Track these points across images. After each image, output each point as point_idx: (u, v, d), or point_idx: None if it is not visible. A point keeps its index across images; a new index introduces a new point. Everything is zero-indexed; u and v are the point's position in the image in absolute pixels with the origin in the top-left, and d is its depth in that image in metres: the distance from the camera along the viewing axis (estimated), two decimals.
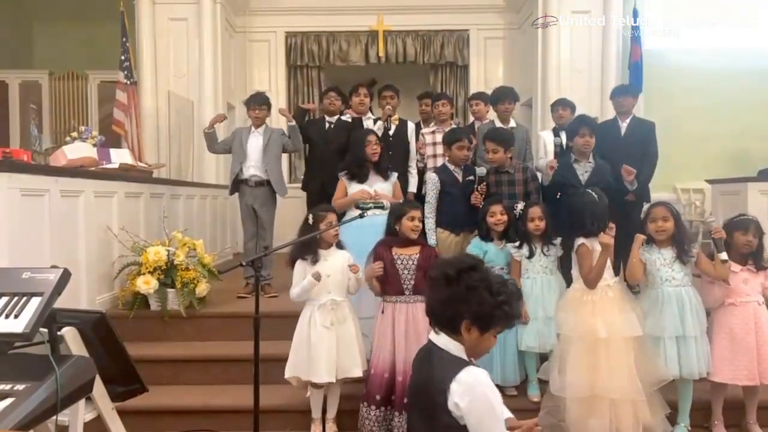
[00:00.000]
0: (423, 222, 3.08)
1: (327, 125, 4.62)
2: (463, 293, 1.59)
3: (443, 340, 1.65)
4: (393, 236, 3.07)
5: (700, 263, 2.99)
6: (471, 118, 5.05)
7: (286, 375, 3.04)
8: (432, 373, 1.60)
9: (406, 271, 3.00)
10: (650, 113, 4.41)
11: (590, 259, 2.99)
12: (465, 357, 1.63)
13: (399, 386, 2.92)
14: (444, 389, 1.54)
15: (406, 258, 3.01)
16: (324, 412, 3.13)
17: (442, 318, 1.66)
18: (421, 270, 2.98)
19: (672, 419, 3.03)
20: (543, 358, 3.23)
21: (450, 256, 1.93)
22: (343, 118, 4.61)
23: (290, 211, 7.05)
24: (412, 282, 2.99)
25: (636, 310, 2.97)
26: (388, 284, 3.01)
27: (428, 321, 1.75)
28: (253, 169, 4.50)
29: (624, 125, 4.29)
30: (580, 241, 3.07)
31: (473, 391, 1.54)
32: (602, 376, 2.78)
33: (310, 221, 3.06)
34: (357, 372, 2.99)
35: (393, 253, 3.02)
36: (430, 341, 1.70)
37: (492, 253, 3.27)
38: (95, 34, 8.00)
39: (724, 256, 2.90)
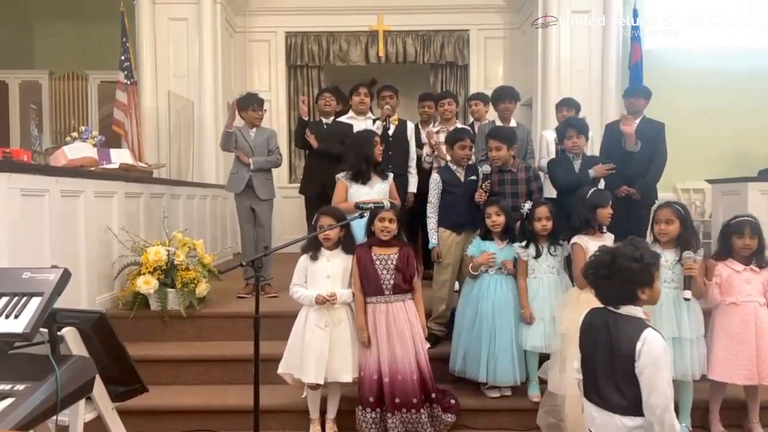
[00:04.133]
0: (398, 223, 3.06)
1: (324, 127, 4.58)
2: (627, 272, 1.97)
3: (626, 309, 2.02)
4: (371, 236, 3.08)
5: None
6: (471, 119, 5.04)
7: (279, 370, 3.04)
8: (620, 334, 1.97)
9: (385, 271, 3.00)
10: (650, 113, 4.41)
11: (583, 257, 2.97)
12: (642, 315, 2.03)
13: (387, 387, 2.92)
14: (633, 346, 1.92)
15: (385, 258, 3.01)
16: (324, 412, 3.13)
17: (622, 297, 2.02)
18: (400, 270, 2.99)
19: None
20: (545, 358, 3.23)
21: (599, 252, 2.11)
22: (343, 119, 4.60)
23: (290, 210, 7.10)
24: (392, 282, 2.99)
25: None
26: (367, 285, 3.01)
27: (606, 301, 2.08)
28: (252, 164, 4.47)
29: (633, 126, 4.30)
30: (573, 239, 3.06)
31: (654, 350, 1.91)
32: None
33: (313, 221, 3.10)
34: (347, 377, 2.97)
35: (372, 254, 3.03)
36: (607, 310, 2.05)
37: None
38: (95, 34, 8.00)
39: (687, 294, 2.86)
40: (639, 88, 4.60)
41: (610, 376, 1.98)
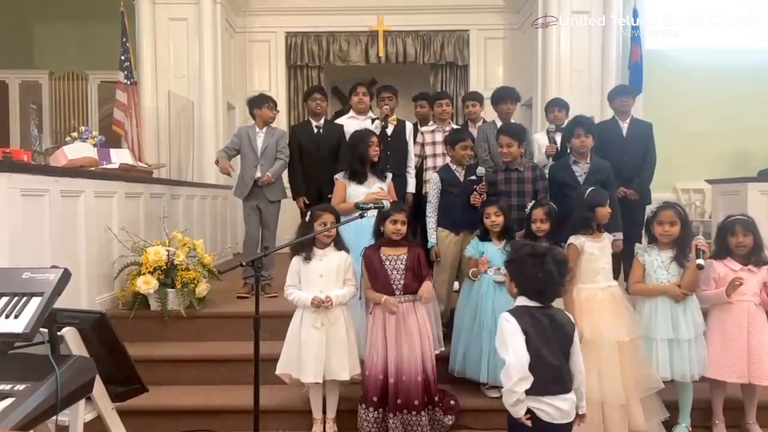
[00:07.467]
0: (408, 224, 3.04)
1: (315, 129, 4.56)
2: (566, 265, 2.26)
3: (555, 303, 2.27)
4: (380, 237, 3.07)
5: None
6: (467, 119, 4.99)
7: (277, 371, 3.04)
8: (564, 321, 2.23)
9: (395, 272, 2.99)
10: (650, 113, 4.44)
11: (578, 258, 2.97)
12: None
13: (392, 388, 2.92)
14: (572, 327, 2.24)
15: (394, 258, 3.00)
16: (324, 412, 3.13)
17: (556, 294, 2.25)
18: (410, 270, 2.98)
19: (673, 419, 3.03)
20: None
21: (542, 262, 2.16)
22: (344, 119, 4.58)
23: (291, 210, 7.08)
24: (402, 282, 2.98)
25: (633, 314, 2.97)
26: (377, 285, 3.00)
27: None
28: (260, 169, 4.48)
29: (625, 125, 4.32)
30: (569, 240, 3.07)
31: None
32: (591, 377, 2.75)
33: (308, 219, 3.08)
34: (344, 376, 2.96)
35: (381, 254, 3.02)
36: (533, 308, 2.19)
37: (489, 253, 3.25)
38: (95, 34, 8.01)
39: (700, 261, 2.80)
40: (628, 87, 4.63)
41: (565, 361, 2.18)
